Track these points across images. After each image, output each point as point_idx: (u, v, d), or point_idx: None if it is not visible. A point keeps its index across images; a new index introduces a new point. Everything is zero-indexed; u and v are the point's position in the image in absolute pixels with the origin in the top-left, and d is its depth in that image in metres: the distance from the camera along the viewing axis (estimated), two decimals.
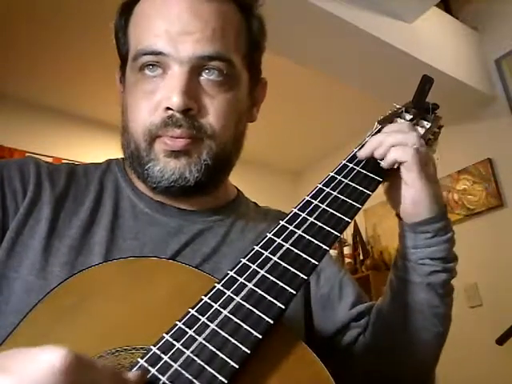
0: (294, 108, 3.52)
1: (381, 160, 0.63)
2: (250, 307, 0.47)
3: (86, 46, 2.74)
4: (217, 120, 0.65)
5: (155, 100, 0.64)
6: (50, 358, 0.32)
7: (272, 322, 0.46)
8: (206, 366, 0.42)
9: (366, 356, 0.70)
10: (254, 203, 0.84)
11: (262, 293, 0.48)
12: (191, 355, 0.43)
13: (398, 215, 0.67)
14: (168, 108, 0.62)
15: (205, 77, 0.64)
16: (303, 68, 2.70)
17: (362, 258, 3.52)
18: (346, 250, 3.60)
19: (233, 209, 0.76)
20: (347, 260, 3.55)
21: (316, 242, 0.53)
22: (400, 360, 0.68)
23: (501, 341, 2.55)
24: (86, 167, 0.74)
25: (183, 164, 0.64)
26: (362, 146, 0.65)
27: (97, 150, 3.22)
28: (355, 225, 3.62)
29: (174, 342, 0.44)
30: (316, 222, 0.55)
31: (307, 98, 3.39)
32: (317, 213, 0.56)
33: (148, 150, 0.65)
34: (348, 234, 3.68)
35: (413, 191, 0.62)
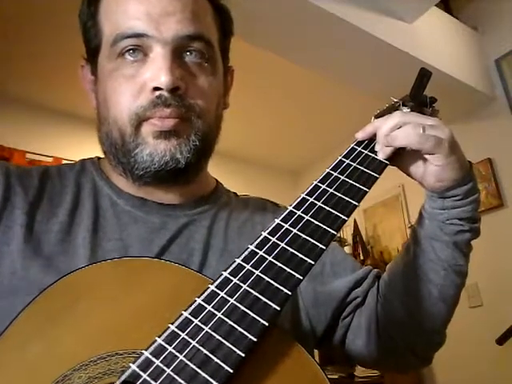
0: (294, 108, 3.51)
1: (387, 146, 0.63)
2: (245, 309, 0.46)
3: None
4: (203, 99, 0.65)
5: (139, 82, 0.62)
6: None
7: (267, 324, 0.45)
8: (200, 371, 0.41)
9: (381, 318, 0.71)
10: (234, 193, 0.83)
11: (257, 294, 0.47)
12: (184, 359, 0.42)
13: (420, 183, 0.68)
14: (156, 88, 0.61)
15: (188, 59, 0.64)
16: (303, 68, 2.69)
17: (362, 258, 3.51)
18: (346, 250, 3.59)
19: (214, 199, 0.75)
20: None
21: (312, 240, 0.52)
22: (418, 318, 0.69)
23: (501, 341, 2.55)
24: (59, 168, 0.73)
25: (174, 145, 0.63)
26: (360, 141, 0.65)
27: (97, 150, 3.22)
28: (355, 225, 3.61)
29: (167, 346, 0.43)
30: (312, 220, 0.54)
31: (307, 98, 3.38)
32: (312, 211, 0.55)
33: (134, 134, 0.63)
34: (348, 234, 3.68)
35: (435, 169, 0.63)
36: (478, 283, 2.82)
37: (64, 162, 3.04)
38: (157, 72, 0.61)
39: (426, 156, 0.62)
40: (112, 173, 0.70)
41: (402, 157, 0.65)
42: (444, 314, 0.70)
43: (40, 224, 0.62)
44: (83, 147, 3.31)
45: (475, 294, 2.84)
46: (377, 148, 0.64)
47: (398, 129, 0.62)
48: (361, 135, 0.66)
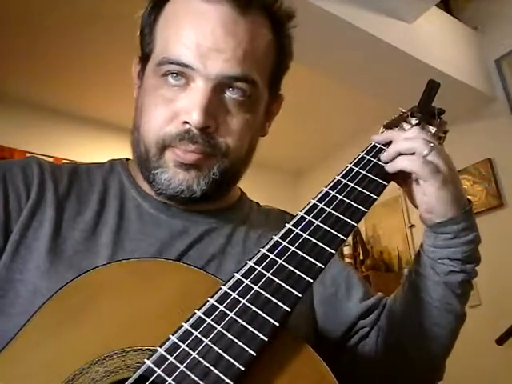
0: (294, 108, 3.51)
1: (386, 163, 0.64)
2: (256, 310, 0.47)
3: (85, 46, 2.74)
4: (233, 140, 0.65)
5: (173, 109, 0.63)
6: None
7: (278, 324, 0.46)
8: (212, 368, 0.42)
9: (379, 353, 0.70)
10: (256, 203, 0.84)
11: (268, 295, 0.48)
12: (197, 357, 0.43)
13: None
14: (186, 122, 0.62)
15: (228, 95, 0.64)
16: (303, 68, 2.70)
17: (361, 257, 3.52)
18: (346, 250, 3.60)
19: (236, 210, 0.77)
20: (347, 260, 3.55)
21: (321, 245, 0.53)
22: (412, 355, 0.68)
23: (501, 341, 2.56)
24: (89, 167, 0.74)
25: (192, 177, 0.64)
26: (370, 150, 0.66)
27: (97, 149, 3.23)
28: None
29: (180, 344, 0.44)
30: (322, 225, 0.55)
31: (307, 98, 3.39)
32: (323, 216, 0.56)
33: (158, 156, 0.65)
34: None
35: (426, 198, 0.62)
36: (478, 283, 2.82)
37: (64, 161, 3.04)
38: (191, 106, 0.61)
39: (420, 182, 0.62)
40: (138, 176, 0.71)
41: (405, 180, 0.65)
42: (441, 353, 0.69)
43: (67, 221, 0.64)
44: (83, 147, 3.33)
45: (474, 293, 2.83)
46: (383, 157, 0.64)
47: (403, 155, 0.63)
48: (377, 138, 0.67)
